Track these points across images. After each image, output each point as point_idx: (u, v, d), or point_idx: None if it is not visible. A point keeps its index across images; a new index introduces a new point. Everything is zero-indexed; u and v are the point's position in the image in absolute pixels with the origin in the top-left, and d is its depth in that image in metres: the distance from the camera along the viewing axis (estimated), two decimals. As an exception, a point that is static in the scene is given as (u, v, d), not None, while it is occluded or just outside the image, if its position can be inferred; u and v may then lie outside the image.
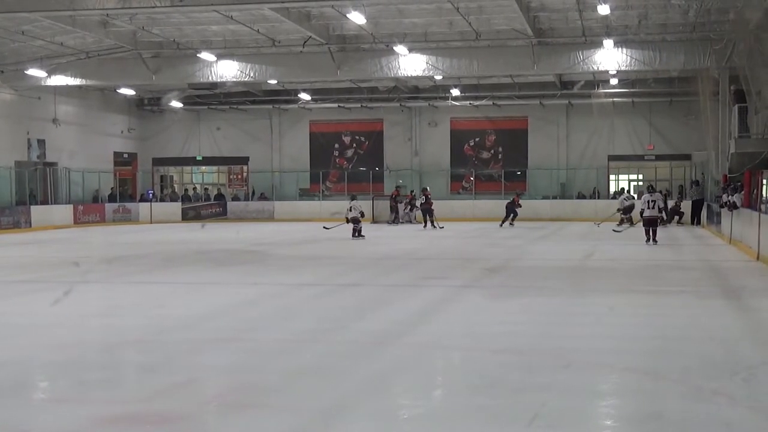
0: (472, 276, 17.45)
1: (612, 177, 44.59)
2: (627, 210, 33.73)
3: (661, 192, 31.10)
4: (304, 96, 43.29)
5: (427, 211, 34.82)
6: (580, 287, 15.57)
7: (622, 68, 32.64)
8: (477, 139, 45.68)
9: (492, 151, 45.47)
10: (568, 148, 44.40)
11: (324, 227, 30.75)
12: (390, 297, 14.19)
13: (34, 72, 34.64)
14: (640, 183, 44.18)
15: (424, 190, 36.76)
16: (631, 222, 32.32)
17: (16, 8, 24.20)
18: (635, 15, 29.17)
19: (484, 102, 43.16)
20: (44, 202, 38.89)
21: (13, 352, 9.70)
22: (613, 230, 30.32)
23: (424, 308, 12.86)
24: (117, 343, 10.37)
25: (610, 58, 31.63)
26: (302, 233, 31.73)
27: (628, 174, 45.29)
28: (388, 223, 38.10)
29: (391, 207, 38.82)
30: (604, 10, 26.29)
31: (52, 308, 13.12)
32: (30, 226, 35.68)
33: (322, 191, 45.62)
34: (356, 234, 28.33)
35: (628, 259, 21.14)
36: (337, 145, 47.01)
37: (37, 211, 36.90)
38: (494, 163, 45.45)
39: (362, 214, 28.85)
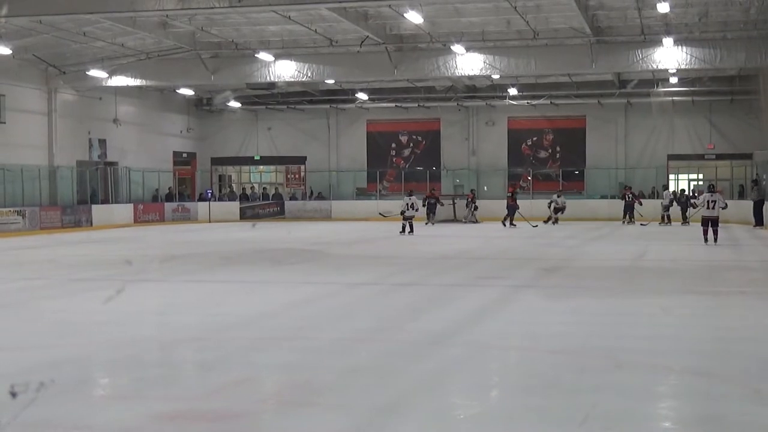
0: (529, 276, 17.38)
1: (672, 176, 43.92)
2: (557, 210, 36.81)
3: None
4: (362, 96, 43.33)
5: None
6: (636, 288, 15.46)
7: (682, 67, 32.26)
8: (534, 139, 45.47)
9: (549, 151, 45.25)
10: (626, 148, 44.06)
11: (380, 213, 31.00)
12: (446, 296, 14.18)
13: (95, 73, 35.18)
14: (700, 182, 43.63)
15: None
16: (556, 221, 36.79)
17: (77, 10, 24.58)
18: (695, 13, 28.72)
19: (541, 101, 42.94)
20: (105, 201, 39.42)
21: (73, 350, 9.84)
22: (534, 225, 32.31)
23: (480, 308, 12.82)
24: (175, 340, 10.48)
25: (669, 56, 31.27)
26: (359, 232, 31.84)
27: (688, 173, 44.72)
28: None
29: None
30: (663, 8, 25.99)
31: (110, 306, 13.27)
32: (91, 224, 36.18)
33: (379, 191, 45.65)
34: (404, 230, 28.74)
35: (687, 259, 20.93)
36: (394, 145, 47.04)
37: (98, 210, 37.43)
38: (552, 163, 45.21)
39: (417, 211, 29.13)
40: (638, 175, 43.01)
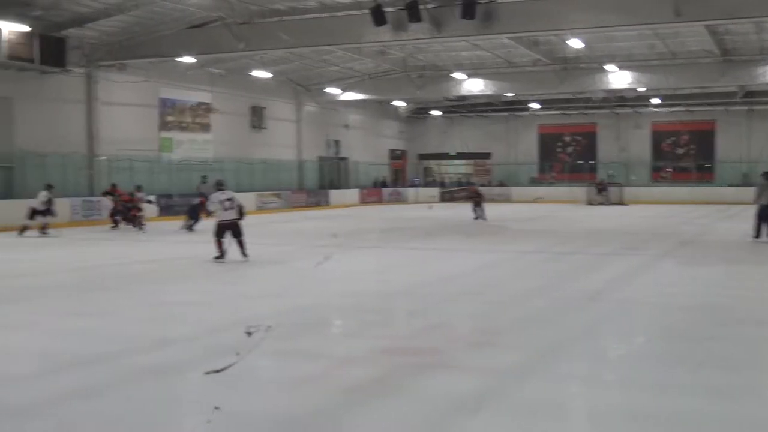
0: (667, 247, 16.71)
1: (788, 168, 41.91)
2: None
3: None
4: (534, 105, 42.88)
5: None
6: (753, 258, 14.68)
7: (795, 79, 30.39)
8: (673, 139, 43.89)
9: (685, 149, 43.64)
10: (749, 146, 41.94)
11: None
12: (599, 263, 13.82)
13: (331, 90, 36.02)
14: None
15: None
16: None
17: (323, 42, 24.99)
18: (807, 35, 27.03)
19: (678, 108, 41.37)
20: (338, 187, 40.32)
21: (314, 298, 10.16)
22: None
23: (626, 272, 12.46)
24: (388, 293, 10.65)
25: (785, 71, 29.57)
26: (531, 212, 31.41)
27: (802, 165, 42.43)
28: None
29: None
30: (778, 32, 24.62)
31: (339, 265, 13.59)
32: (328, 204, 37.15)
33: (548, 179, 45.19)
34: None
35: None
36: (559, 143, 46.24)
37: (333, 194, 38.39)
38: (687, 158, 43.57)
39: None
40: (760, 168, 40.66)
